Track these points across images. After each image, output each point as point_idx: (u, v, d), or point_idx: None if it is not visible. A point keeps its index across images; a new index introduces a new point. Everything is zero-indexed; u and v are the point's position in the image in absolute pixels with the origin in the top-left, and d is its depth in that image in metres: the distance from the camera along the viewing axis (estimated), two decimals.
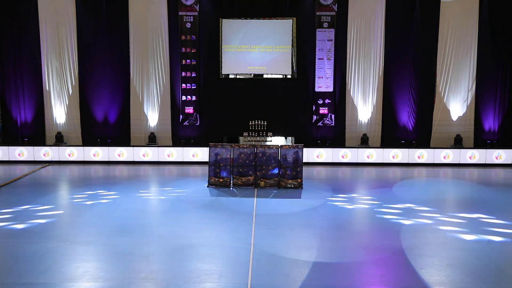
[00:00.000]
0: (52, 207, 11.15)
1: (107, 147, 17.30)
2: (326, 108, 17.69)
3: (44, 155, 17.06)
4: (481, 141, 17.64)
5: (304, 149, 13.36)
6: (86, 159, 17.20)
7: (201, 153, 16.97)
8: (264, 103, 17.52)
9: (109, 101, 17.75)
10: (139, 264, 7.77)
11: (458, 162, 17.08)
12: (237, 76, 17.92)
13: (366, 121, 17.76)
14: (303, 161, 13.32)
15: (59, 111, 17.78)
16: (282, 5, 17.43)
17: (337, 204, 11.60)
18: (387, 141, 17.71)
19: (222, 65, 17.72)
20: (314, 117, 17.78)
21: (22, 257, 7.94)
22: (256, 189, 13.04)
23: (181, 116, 17.83)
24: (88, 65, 17.59)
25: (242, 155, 13.19)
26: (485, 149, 17.20)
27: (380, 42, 17.41)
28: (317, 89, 17.66)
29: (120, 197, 12.13)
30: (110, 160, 17.21)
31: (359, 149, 17.34)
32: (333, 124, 17.77)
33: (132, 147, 17.39)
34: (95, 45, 17.45)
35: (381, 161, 17.19)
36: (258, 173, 13.17)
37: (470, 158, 17.10)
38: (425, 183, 14.17)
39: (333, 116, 17.70)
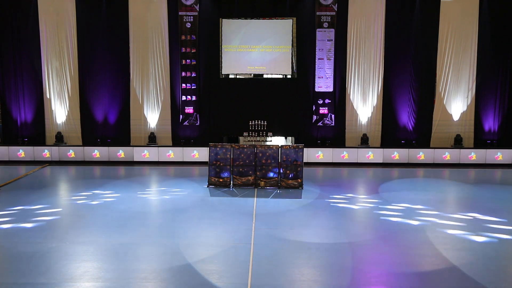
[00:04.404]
0: (52, 207, 11.15)
1: (107, 147, 17.31)
2: (326, 108, 17.68)
3: (44, 155, 17.06)
4: (481, 141, 17.63)
5: (304, 149, 13.36)
6: (86, 159, 17.21)
7: (201, 153, 16.96)
8: (264, 103, 17.51)
9: (109, 101, 17.74)
10: (139, 264, 7.77)
11: (458, 162, 17.09)
12: (237, 76, 17.91)
13: (366, 121, 17.74)
14: (303, 161, 13.32)
15: (59, 111, 17.77)
16: (282, 5, 17.41)
17: (337, 204, 11.60)
18: (387, 141, 17.69)
19: (222, 65, 17.71)
20: (314, 117, 17.77)
21: (22, 257, 7.94)
22: (256, 189, 13.03)
23: (181, 116, 17.82)
24: (88, 65, 17.57)
25: (242, 155, 13.19)
26: (485, 149, 17.21)
27: (380, 42, 17.39)
28: (317, 89, 17.65)
29: (120, 197, 12.14)
30: (110, 160, 17.22)
31: (359, 149, 17.34)
32: (333, 124, 17.76)
33: (132, 147, 17.41)
34: (95, 45, 17.43)
35: (381, 161, 17.19)
36: (258, 173, 13.17)
37: (470, 158, 17.10)
38: (425, 183, 14.16)
39: (333, 116, 17.69)
